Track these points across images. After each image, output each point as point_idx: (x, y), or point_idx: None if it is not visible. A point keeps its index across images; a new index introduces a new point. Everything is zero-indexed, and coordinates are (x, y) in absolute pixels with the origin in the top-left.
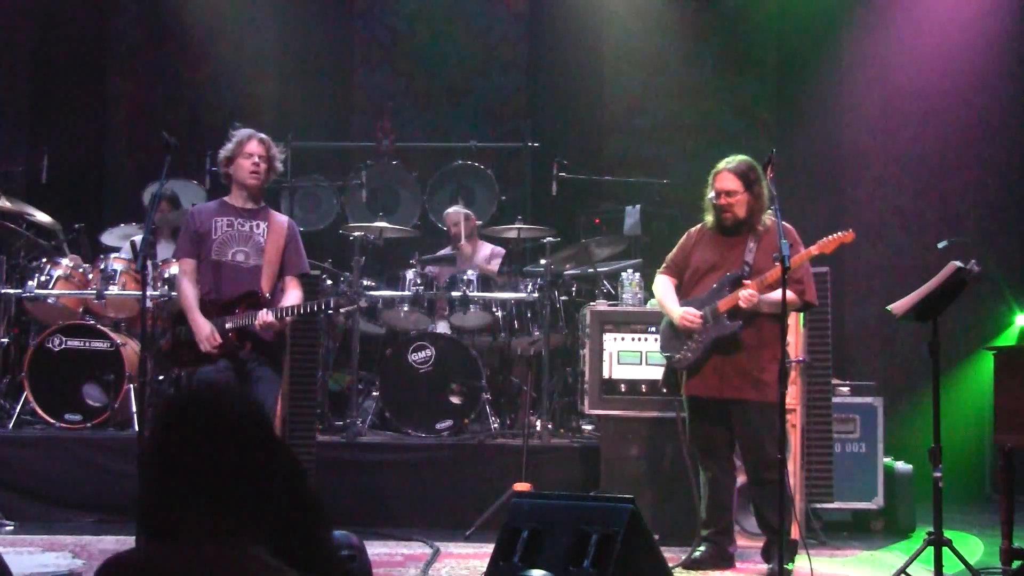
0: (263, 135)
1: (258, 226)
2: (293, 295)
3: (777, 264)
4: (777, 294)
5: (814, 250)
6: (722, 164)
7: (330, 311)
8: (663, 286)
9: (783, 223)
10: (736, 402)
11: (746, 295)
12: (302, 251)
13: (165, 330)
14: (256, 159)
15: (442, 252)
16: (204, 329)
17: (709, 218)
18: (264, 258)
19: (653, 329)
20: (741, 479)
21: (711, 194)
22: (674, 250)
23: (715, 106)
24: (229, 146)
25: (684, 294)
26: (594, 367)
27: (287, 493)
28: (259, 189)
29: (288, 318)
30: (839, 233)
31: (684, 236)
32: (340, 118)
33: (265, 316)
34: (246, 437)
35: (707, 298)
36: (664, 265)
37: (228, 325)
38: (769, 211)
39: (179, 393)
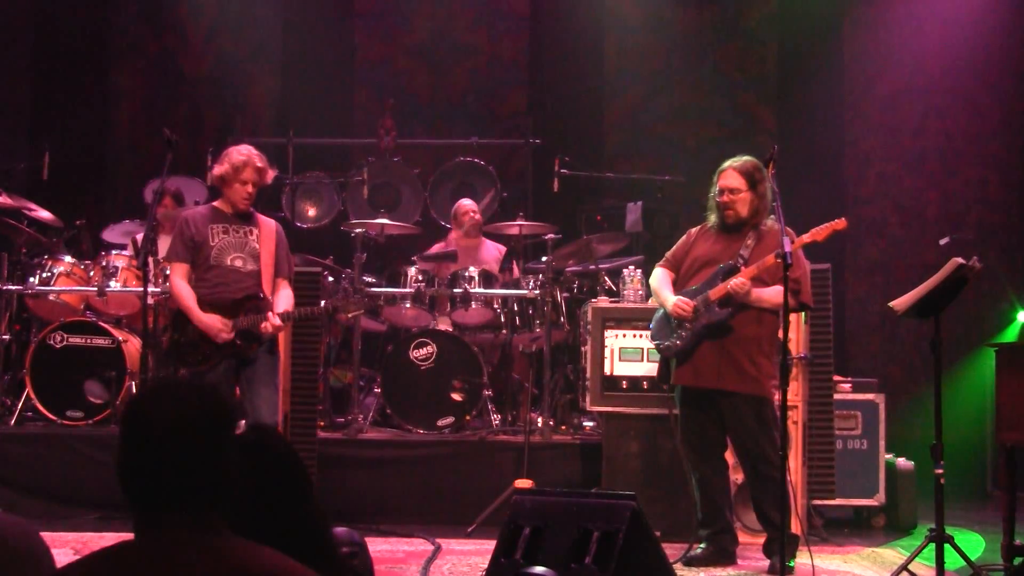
0: (258, 159)
1: (251, 231)
2: (285, 295)
3: (771, 255)
4: (771, 291)
5: (807, 238)
6: (727, 163)
7: (328, 313)
8: (660, 277)
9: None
10: (724, 394)
11: (736, 283)
12: (290, 253)
13: (166, 327)
14: (250, 187)
15: (438, 249)
16: (215, 323)
17: (712, 217)
18: (260, 263)
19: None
20: (742, 475)
21: (715, 191)
22: (674, 246)
23: (716, 103)
24: (226, 168)
25: (680, 286)
26: (595, 364)
27: (286, 488)
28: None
29: (289, 322)
30: (832, 221)
31: (685, 234)
32: (341, 114)
33: (273, 321)
34: (203, 429)
35: (700, 288)
36: (663, 259)
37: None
38: (771, 216)
39: (141, 392)
